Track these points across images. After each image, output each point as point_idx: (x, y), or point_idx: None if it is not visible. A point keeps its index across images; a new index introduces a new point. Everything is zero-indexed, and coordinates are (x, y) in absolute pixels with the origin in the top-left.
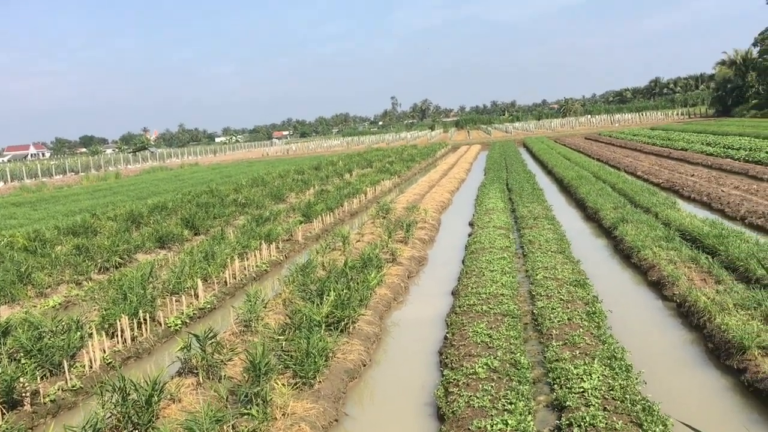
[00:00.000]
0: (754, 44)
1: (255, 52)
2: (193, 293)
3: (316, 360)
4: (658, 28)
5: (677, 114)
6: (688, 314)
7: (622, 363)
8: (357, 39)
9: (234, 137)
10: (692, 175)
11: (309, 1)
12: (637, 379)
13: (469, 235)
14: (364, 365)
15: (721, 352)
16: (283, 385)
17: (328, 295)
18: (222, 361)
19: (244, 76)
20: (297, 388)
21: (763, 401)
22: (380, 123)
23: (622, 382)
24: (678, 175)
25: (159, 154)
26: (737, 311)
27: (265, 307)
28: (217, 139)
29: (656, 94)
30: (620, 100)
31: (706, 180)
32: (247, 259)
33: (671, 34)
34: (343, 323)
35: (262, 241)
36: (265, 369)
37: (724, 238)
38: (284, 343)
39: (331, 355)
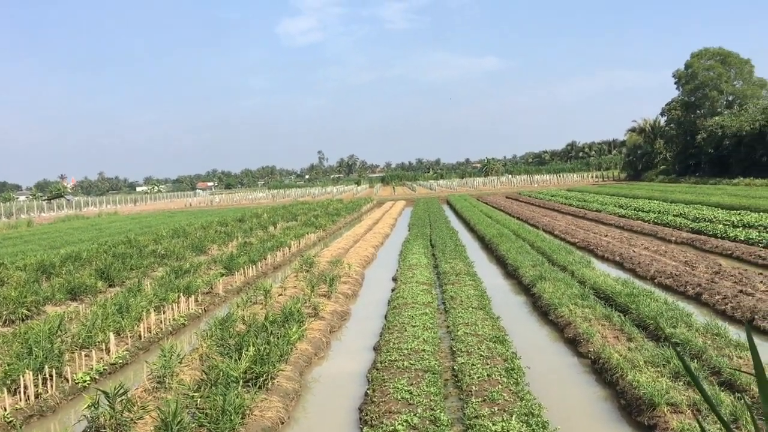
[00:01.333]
0: (662, 114)
1: (179, 101)
2: (104, 348)
3: (232, 418)
4: (573, 95)
5: (592, 177)
6: (601, 371)
7: (539, 420)
8: (285, 93)
9: (156, 187)
10: (606, 236)
11: (235, 53)
12: None
13: (393, 290)
14: (282, 423)
15: (633, 408)
16: None
17: (247, 350)
18: (132, 419)
19: (168, 124)
20: None
21: None
22: (307, 177)
23: None
24: (593, 235)
25: (76, 202)
26: (647, 368)
27: (180, 363)
28: (139, 189)
29: (573, 157)
30: (539, 162)
31: (619, 240)
32: (164, 313)
33: (586, 101)
34: (261, 379)
35: (181, 294)
36: (177, 427)
37: (635, 297)
38: (199, 400)
39: (248, 412)
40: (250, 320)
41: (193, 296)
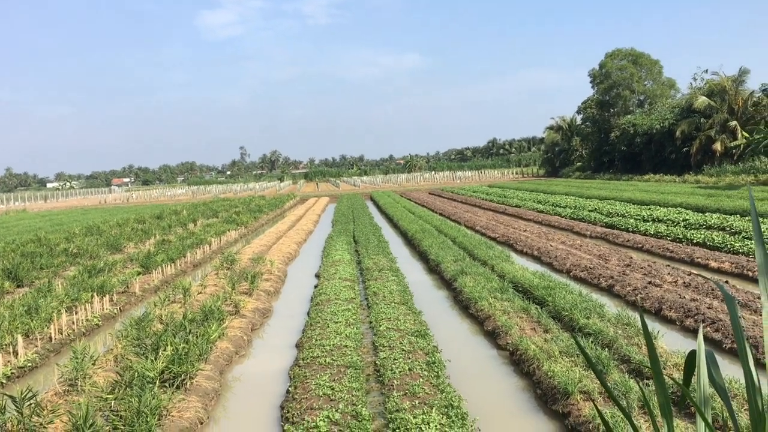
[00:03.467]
0: (578, 112)
1: (94, 96)
2: (12, 350)
3: (148, 419)
4: (495, 92)
5: (512, 173)
6: (519, 362)
7: (459, 411)
8: (205, 88)
9: (68, 183)
10: (525, 231)
11: (153, 46)
12: (472, 426)
13: (315, 287)
14: (202, 423)
15: (548, 397)
16: None
17: (164, 350)
18: (42, 424)
19: (82, 119)
20: None
21: None
22: (228, 173)
23: (458, 430)
24: (512, 230)
25: None
26: (562, 358)
27: (94, 365)
28: (50, 185)
29: (494, 153)
30: (461, 158)
31: (537, 235)
32: (77, 313)
33: (507, 99)
34: (180, 379)
35: (95, 294)
36: (90, 431)
37: (551, 290)
38: (113, 402)
39: (165, 413)
40: (168, 319)
41: (107, 296)
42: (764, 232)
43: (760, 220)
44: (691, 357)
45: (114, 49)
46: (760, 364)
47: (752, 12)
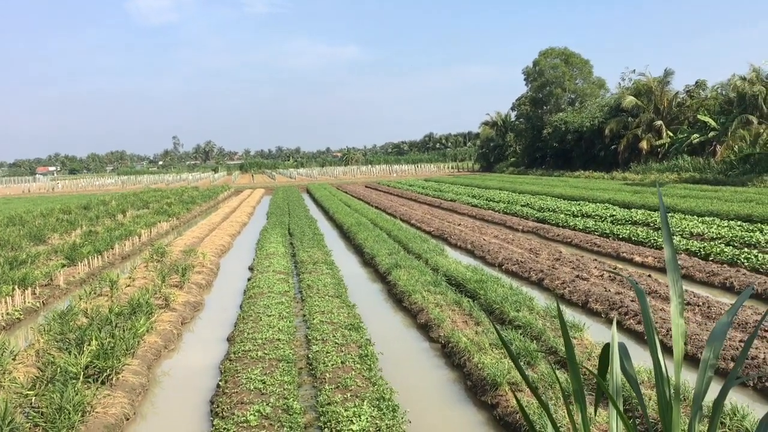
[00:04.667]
0: (512, 108)
1: (15, 81)
2: None
3: (71, 416)
4: (432, 87)
5: (448, 167)
6: (451, 354)
7: (390, 404)
8: (136, 75)
9: None
10: (459, 225)
11: (80, 29)
12: (402, 418)
13: (249, 280)
14: (128, 419)
15: (478, 388)
16: None
17: (89, 345)
18: None
19: (5, 104)
20: None
21: None
22: (160, 163)
23: (388, 422)
24: (447, 224)
25: None
26: (492, 350)
27: (14, 360)
28: None
29: (430, 147)
30: (398, 152)
31: (471, 229)
32: None
33: (444, 93)
34: (105, 374)
35: (16, 287)
36: (9, 428)
37: (483, 283)
38: (34, 398)
39: (89, 409)
40: (93, 313)
41: (30, 288)
42: (683, 228)
43: (683, 216)
44: (607, 349)
45: (36, 31)
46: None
47: (677, 13)
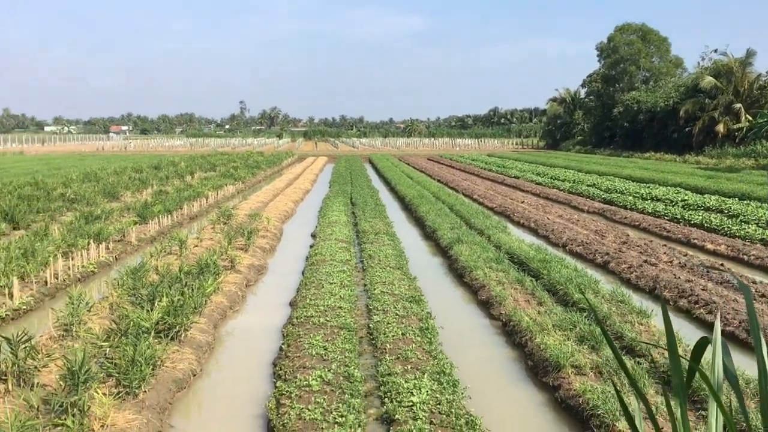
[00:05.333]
0: (582, 85)
1: (95, 40)
2: (7, 292)
3: (143, 368)
4: (500, 60)
5: (512, 143)
6: (512, 333)
7: (450, 378)
8: (207, 38)
9: (66, 128)
10: (523, 202)
11: None
12: (462, 393)
13: (311, 247)
14: (195, 375)
15: (539, 369)
16: (104, 394)
17: (160, 301)
18: (36, 367)
19: (82, 63)
20: (120, 398)
21: (572, 417)
22: (227, 127)
23: (448, 397)
24: (510, 201)
25: None
26: (555, 332)
27: (89, 311)
28: (47, 128)
29: (494, 122)
30: (462, 126)
31: (535, 207)
32: (73, 259)
33: (511, 67)
34: (174, 330)
35: (91, 241)
36: (84, 377)
37: (547, 263)
38: (108, 349)
39: (159, 363)
40: (163, 270)
41: (104, 243)
42: (759, 217)
43: (759, 204)
44: (700, 343)
45: None
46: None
47: None
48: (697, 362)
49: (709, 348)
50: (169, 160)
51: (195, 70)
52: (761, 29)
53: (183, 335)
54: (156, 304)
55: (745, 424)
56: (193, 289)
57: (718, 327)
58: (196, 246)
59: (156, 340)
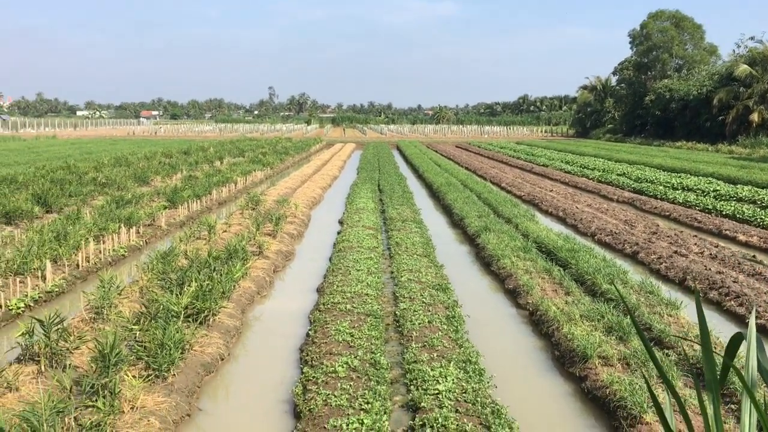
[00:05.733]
0: (614, 73)
1: (125, 25)
2: (40, 275)
3: (172, 352)
4: (530, 47)
5: (542, 131)
6: (539, 322)
7: (476, 367)
8: (236, 23)
9: (98, 112)
10: (551, 191)
11: None
12: (488, 382)
13: (338, 233)
14: (222, 359)
15: (566, 359)
16: (134, 377)
17: (189, 285)
18: (68, 349)
19: (113, 48)
20: (149, 380)
21: (599, 408)
22: (255, 112)
23: (474, 386)
24: (538, 190)
25: (12, 123)
26: (583, 322)
27: (119, 294)
28: (79, 113)
29: (524, 110)
30: (490, 113)
31: (563, 196)
32: (104, 243)
33: (542, 54)
34: (203, 315)
35: (122, 225)
36: (114, 359)
37: (575, 252)
38: (138, 332)
39: (188, 347)
40: (192, 255)
41: (134, 228)
42: None
43: None
44: (735, 339)
45: None
46: None
47: None
48: (732, 358)
49: (744, 343)
50: (198, 146)
51: (225, 55)
52: None
53: (211, 320)
54: (185, 289)
55: None
56: (221, 275)
57: (753, 322)
58: (225, 231)
59: (185, 325)
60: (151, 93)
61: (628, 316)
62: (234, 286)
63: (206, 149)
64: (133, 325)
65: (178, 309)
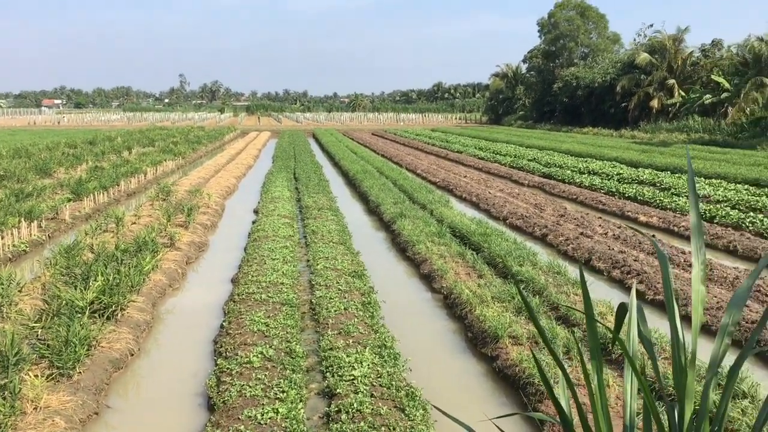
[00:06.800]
0: (524, 61)
1: (26, 8)
2: None
3: (77, 349)
4: (444, 35)
5: (456, 118)
6: (453, 305)
7: (391, 351)
8: (144, 8)
9: None
10: (465, 177)
11: None
12: (403, 366)
13: (254, 223)
14: (132, 355)
15: (479, 340)
16: (37, 376)
17: (95, 280)
18: None
19: (10, 32)
20: (53, 379)
21: (509, 385)
22: (166, 101)
23: (389, 370)
24: (453, 176)
25: None
26: (494, 303)
27: (20, 291)
28: None
29: (438, 97)
30: (406, 101)
31: (477, 182)
32: (3, 238)
33: (456, 42)
34: (110, 310)
35: (22, 219)
36: (15, 359)
37: (488, 236)
38: (40, 330)
39: (94, 344)
40: (99, 249)
41: (36, 221)
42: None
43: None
44: (621, 309)
45: None
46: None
47: None
48: (618, 328)
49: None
50: (105, 135)
51: (132, 41)
52: (695, 6)
53: (120, 315)
54: (91, 284)
55: (658, 386)
56: (130, 268)
57: (634, 295)
58: (134, 223)
59: (91, 321)
60: (53, 81)
61: (537, 296)
62: (144, 279)
63: (113, 139)
64: (35, 322)
65: (84, 304)
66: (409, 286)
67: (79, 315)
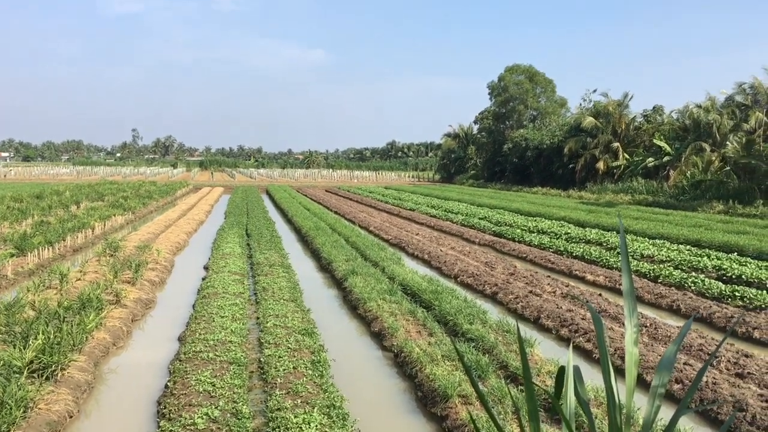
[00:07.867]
0: (475, 122)
1: None
2: None
3: (12, 411)
4: (397, 96)
5: (409, 176)
6: (403, 364)
7: (340, 411)
8: (98, 63)
9: None
10: (417, 234)
11: (41, 15)
12: (352, 427)
13: (203, 279)
14: (71, 416)
15: (428, 400)
16: None
17: (35, 339)
18: None
19: None
20: None
21: None
22: (118, 155)
23: (338, 430)
24: (405, 233)
25: None
26: (444, 362)
27: None
28: None
29: (392, 156)
30: (360, 158)
31: (429, 239)
32: None
33: (408, 102)
34: (50, 370)
35: None
36: None
37: (439, 294)
38: None
39: (32, 405)
40: (41, 306)
41: None
42: (634, 249)
43: (635, 237)
44: (562, 371)
45: None
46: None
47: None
48: (559, 390)
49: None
50: (53, 189)
51: (84, 95)
52: (638, 74)
53: (60, 374)
54: (31, 342)
55: None
56: (72, 325)
57: (570, 358)
58: (79, 280)
59: (29, 381)
60: (1, 133)
61: (487, 355)
62: (87, 337)
63: (61, 193)
64: None
65: (22, 364)
66: (360, 343)
67: (17, 375)
